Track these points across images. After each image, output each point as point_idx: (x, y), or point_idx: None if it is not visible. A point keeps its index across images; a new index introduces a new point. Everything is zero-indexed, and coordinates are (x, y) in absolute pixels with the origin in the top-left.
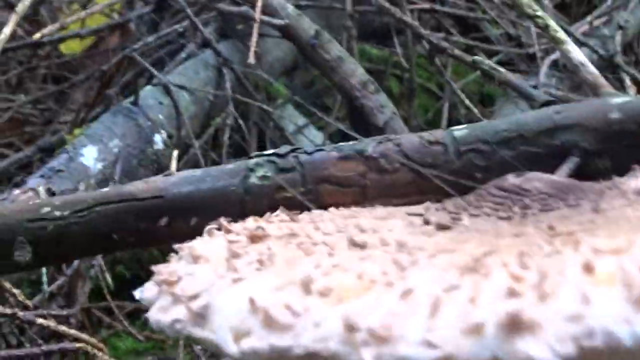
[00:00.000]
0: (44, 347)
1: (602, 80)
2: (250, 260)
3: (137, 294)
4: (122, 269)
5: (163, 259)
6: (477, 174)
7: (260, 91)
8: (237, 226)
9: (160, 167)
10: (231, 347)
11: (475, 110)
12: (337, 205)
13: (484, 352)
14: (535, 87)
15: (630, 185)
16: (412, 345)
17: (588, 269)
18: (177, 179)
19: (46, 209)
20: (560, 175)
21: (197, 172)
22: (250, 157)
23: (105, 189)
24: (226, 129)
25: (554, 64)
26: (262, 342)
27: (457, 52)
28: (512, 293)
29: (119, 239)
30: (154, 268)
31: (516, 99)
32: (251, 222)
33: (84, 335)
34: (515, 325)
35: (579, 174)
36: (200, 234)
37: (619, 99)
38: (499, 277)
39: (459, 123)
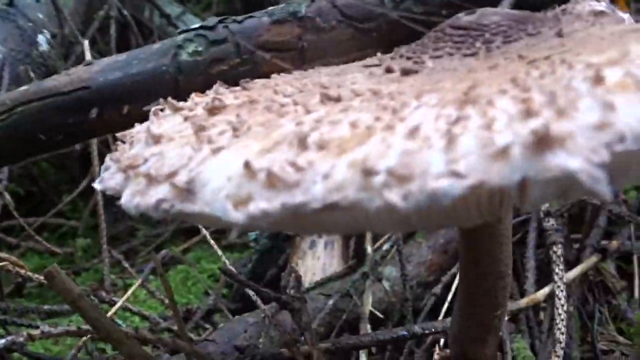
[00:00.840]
0: None
1: None
2: (221, 131)
3: (97, 185)
4: (14, 187)
5: (57, 170)
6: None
7: None
8: (185, 104)
9: (49, 70)
10: (233, 216)
11: None
12: (277, 72)
13: (515, 174)
14: None
15: (581, 9)
16: (439, 179)
17: (598, 80)
18: (101, 67)
19: None
20: (506, 8)
21: (122, 56)
22: (177, 35)
23: (24, 87)
24: (111, 23)
25: None
26: (273, 204)
27: None
28: (529, 112)
29: (47, 138)
30: (110, 156)
31: None
32: (198, 98)
33: (3, 254)
34: (543, 142)
35: (519, 7)
36: (134, 122)
37: None
38: (504, 102)
39: None
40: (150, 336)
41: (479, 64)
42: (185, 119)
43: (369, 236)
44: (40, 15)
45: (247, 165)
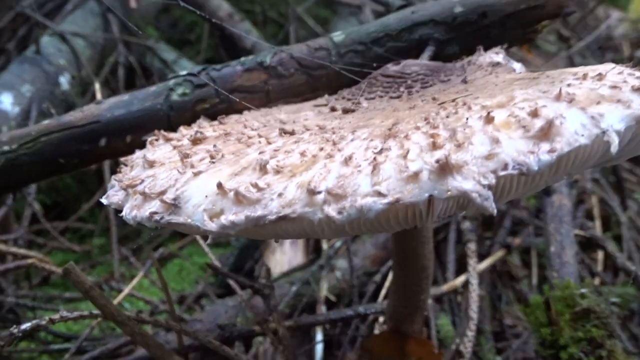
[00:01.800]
0: (1, 267)
1: None
2: (201, 158)
3: (104, 200)
4: (44, 197)
5: (78, 184)
6: (358, 70)
7: (142, 33)
8: (174, 134)
9: (69, 105)
10: (209, 226)
11: (320, 29)
12: (247, 109)
13: (424, 193)
14: None
15: (483, 61)
16: (366, 197)
17: (488, 119)
18: (109, 105)
19: None
20: (425, 60)
21: (125, 96)
22: (169, 79)
23: (46, 121)
24: (119, 67)
25: None
26: (238, 216)
27: None
28: (435, 145)
29: (65, 162)
30: (114, 177)
31: (347, 17)
32: (185, 130)
33: (32, 253)
34: (444, 169)
35: (436, 58)
36: (134, 148)
37: None
38: (418, 137)
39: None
40: (148, 318)
41: (402, 104)
42: (174, 147)
43: None
44: (62, 61)
45: (219, 186)
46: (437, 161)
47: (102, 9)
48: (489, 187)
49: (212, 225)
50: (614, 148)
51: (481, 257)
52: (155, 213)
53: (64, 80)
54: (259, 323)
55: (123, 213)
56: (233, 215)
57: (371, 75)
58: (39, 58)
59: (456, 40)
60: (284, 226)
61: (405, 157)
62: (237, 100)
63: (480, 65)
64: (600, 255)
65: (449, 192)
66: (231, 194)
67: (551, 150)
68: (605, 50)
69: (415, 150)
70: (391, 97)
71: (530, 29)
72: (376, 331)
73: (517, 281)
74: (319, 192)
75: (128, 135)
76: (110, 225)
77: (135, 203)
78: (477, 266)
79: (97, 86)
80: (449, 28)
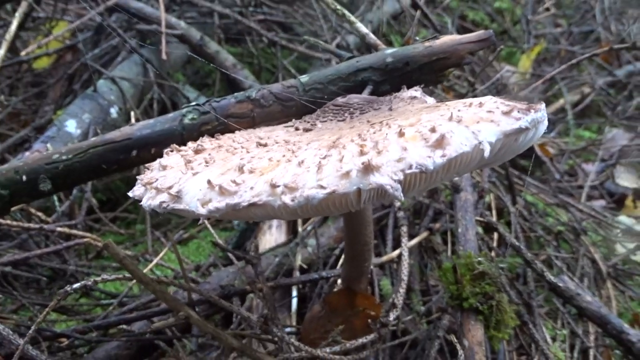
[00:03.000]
0: (64, 244)
1: (379, 41)
2: (199, 163)
3: (130, 194)
4: (100, 195)
5: (125, 186)
6: (317, 101)
7: (171, 77)
8: (184, 147)
9: (117, 128)
10: (201, 210)
11: (297, 75)
12: (238, 130)
13: (353, 186)
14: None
15: (405, 95)
16: (312, 189)
17: (401, 133)
18: (139, 126)
19: (56, 156)
20: (365, 95)
21: (151, 121)
22: (182, 108)
23: (93, 139)
24: (154, 101)
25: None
26: (221, 204)
27: (283, 42)
28: (362, 152)
29: (107, 167)
30: (139, 177)
31: (319, 67)
32: (191, 144)
33: (88, 234)
34: (368, 169)
35: (373, 94)
36: (157, 158)
37: (390, 50)
38: (351, 146)
39: None
40: (167, 280)
41: (345, 125)
42: (182, 156)
43: (300, 222)
44: (112, 97)
45: (209, 182)
46: (363, 163)
47: (142, 60)
48: (399, 181)
49: (202, 210)
50: (487, 154)
51: (411, 236)
52: (164, 202)
53: (114, 111)
54: (249, 284)
55: (142, 203)
56: (217, 203)
57: (325, 105)
58: (95, 95)
59: (388, 81)
60: (254, 210)
61: (341, 160)
62: (231, 123)
63: (403, 99)
64: (495, 235)
65: (370, 185)
66: (217, 187)
67: (443, 155)
68: (500, 92)
69: (348, 156)
70: (338, 120)
71: (440, 74)
72: (335, 289)
73: (437, 254)
74: (279, 186)
75: (153, 148)
76: (146, 215)
77: (150, 195)
78: (408, 243)
79: (134, 115)
80: (383, 72)
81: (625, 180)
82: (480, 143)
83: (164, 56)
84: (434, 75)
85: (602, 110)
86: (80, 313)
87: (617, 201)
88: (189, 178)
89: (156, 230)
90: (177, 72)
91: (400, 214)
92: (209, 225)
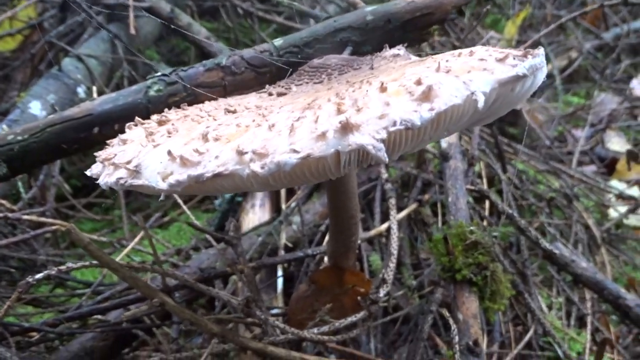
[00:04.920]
0: (32, 233)
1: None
2: (162, 134)
3: (88, 172)
4: (75, 181)
5: None
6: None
7: (143, 54)
8: (147, 120)
9: None
10: (161, 185)
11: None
12: (209, 100)
13: (330, 149)
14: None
15: (386, 54)
16: (283, 154)
17: (382, 88)
18: (100, 101)
19: (11, 137)
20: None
21: (113, 94)
22: (147, 79)
23: (51, 116)
24: (125, 80)
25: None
26: (182, 176)
27: (260, 13)
28: (339, 111)
29: (67, 147)
30: (96, 154)
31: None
32: (156, 116)
33: (58, 221)
34: (346, 128)
35: (353, 54)
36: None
37: (370, 8)
38: (328, 106)
39: None
40: (137, 265)
41: (322, 86)
42: (144, 129)
43: (283, 198)
44: (79, 76)
45: (169, 153)
46: (340, 122)
47: (110, 37)
48: (382, 140)
49: (163, 185)
50: (481, 105)
51: (400, 209)
52: (121, 178)
53: (81, 90)
54: (229, 266)
55: (99, 181)
56: (178, 175)
57: (300, 68)
58: (60, 74)
59: (369, 41)
60: (220, 182)
61: (316, 121)
62: (201, 92)
63: (385, 57)
64: (487, 204)
65: (349, 147)
66: (178, 158)
67: (431, 109)
68: None
69: (324, 116)
70: (315, 83)
71: (424, 31)
72: (321, 267)
73: (428, 226)
74: (246, 153)
75: (116, 124)
76: (120, 199)
77: (107, 172)
78: (397, 216)
79: (94, 90)
80: (363, 32)
81: (615, 144)
82: (472, 93)
83: (132, 31)
84: (418, 33)
85: (590, 74)
86: (55, 305)
87: (608, 166)
88: (149, 151)
89: (135, 214)
90: (149, 49)
91: (388, 186)
92: (184, 207)
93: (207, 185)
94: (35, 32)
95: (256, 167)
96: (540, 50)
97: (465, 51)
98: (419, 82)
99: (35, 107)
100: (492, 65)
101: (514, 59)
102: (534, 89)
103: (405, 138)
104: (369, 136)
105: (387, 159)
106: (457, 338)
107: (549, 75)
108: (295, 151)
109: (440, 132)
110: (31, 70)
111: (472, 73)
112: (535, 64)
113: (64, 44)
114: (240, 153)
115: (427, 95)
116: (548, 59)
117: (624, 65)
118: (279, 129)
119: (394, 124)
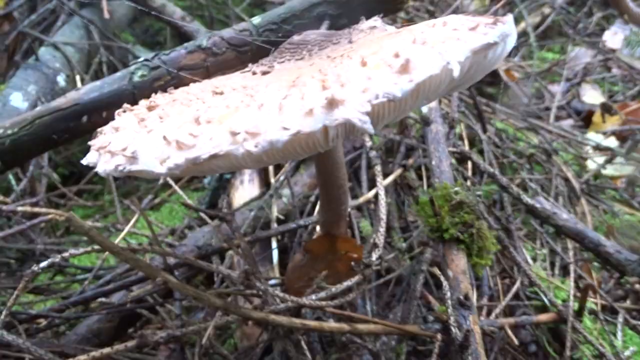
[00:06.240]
0: (28, 223)
1: None
2: (153, 119)
3: (84, 161)
4: (62, 170)
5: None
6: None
7: (118, 38)
8: (136, 106)
9: None
10: (159, 169)
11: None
12: (193, 82)
13: (318, 124)
14: None
15: (363, 27)
16: (274, 132)
17: (363, 63)
18: (85, 90)
19: (0, 131)
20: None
21: (97, 82)
22: (130, 65)
23: (38, 108)
24: (103, 65)
25: None
26: (180, 159)
27: None
28: (324, 87)
29: (58, 138)
30: (90, 142)
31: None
32: (144, 102)
33: (52, 210)
34: (332, 103)
35: (331, 29)
36: (110, 121)
37: None
38: (312, 83)
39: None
40: (138, 247)
41: (304, 63)
42: (135, 115)
43: (272, 173)
44: (57, 65)
45: (165, 138)
46: (326, 98)
47: (84, 22)
48: (367, 113)
49: (161, 169)
50: (456, 73)
51: (386, 175)
52: (119, 165)
53: (61, 79)
54: (226, 241)
55: (97, 169)
56: (176, 159)
57: (281, 46)
58: (38, 64)
59: (345, 15)
60: (216, 162)
61: (302, 98)
62: (185, 75)
63: (362, 30)
64: (469, 164)
65: (337, 121)
66: (174, 142)
67: (410, 80)
68: None
69: (310, 93)
70: (296, 60)
71: (399, 1)
72: (314, 237)
73: (414, 189)
74: (239, 133)
75: (104, 112)
76: (110, 184)
77: (104, 160)
78: (383, 182)
79: (78, 80)
80: (339, 5)
81: (590, 97)
82: (448, 63)
83: (106, 15)
84: (393, 2)
85: (563, 29)
86: (57, 291)
87: (585, 119)
88: (143, 136)
89: (125, 198)
90: (124, 32)
91: (373, 153)
92: (176, 187)
93: (203, 166)
94: (5, 22)
95: (250, 146)
96: (509, 17)
97: (439, 21)
98: (397, 55)
99: (17, 99)
100: (465, 35)
101: (485, 26)
102: (505, 54)
103: (388, 109)
104: (355, 110)
105: (373, 131)
106: (448, 294)
107: (524, 34)
108: (285, 128)
109: (420, 101)
110: (7, 62)
111: (446, 43)
112: (505, 30)
113: (38, 33)
114: (234, 134)
115: (405, 68)
116: (522, 17)
117: (596, 18)
118: (268, 108)
119: (377, 97)
